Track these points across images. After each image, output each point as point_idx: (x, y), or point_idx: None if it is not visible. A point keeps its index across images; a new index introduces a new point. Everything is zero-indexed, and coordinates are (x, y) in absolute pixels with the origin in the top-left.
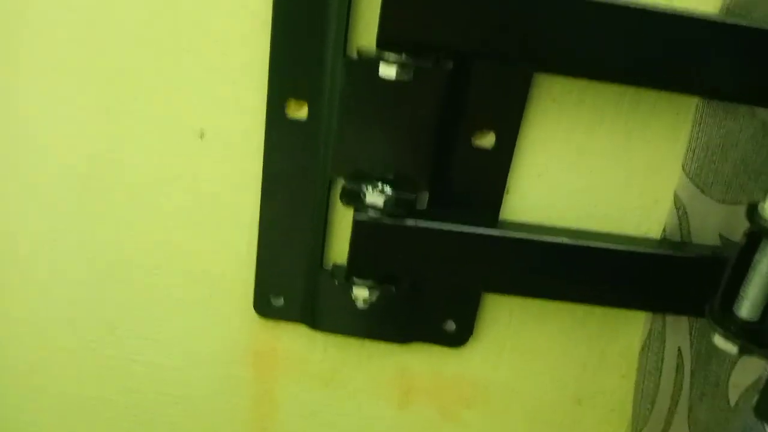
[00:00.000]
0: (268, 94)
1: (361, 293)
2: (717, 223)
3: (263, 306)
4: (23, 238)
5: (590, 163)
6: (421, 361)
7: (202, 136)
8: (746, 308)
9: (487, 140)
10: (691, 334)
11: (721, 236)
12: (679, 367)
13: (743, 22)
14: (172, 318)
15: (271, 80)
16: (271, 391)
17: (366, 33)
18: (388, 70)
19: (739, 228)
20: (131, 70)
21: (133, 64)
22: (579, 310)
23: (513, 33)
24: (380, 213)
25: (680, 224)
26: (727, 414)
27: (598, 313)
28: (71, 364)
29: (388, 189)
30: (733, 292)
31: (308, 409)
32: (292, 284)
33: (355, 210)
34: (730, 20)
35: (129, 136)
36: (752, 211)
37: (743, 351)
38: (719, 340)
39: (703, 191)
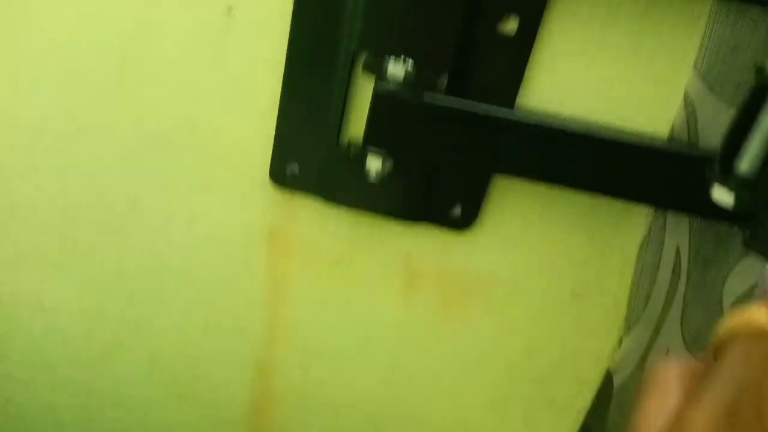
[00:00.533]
0: None
1: (374, 164)
2: (724, 123)
3: (279, 174)
4: (54, 117)
5: (606, 56)
6: (427, 248)
7: (229, 11)
8: (746, 163)
9: (510, 25)
10: (690, 234)
11: None
12: (675, 267)
13: None
14: (192, 195)
15: None
16: (283, 275)
17: None
18: None
19: None
20: None
21: None
22: (583, 205)
23: None
24: (400, 86)
25: (688, 122)
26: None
27: (602, 209)
28: (96, 240)
29: (410, 63)
30: (734, 148)
31: (317, 294)
32: (308, 154)
33: (377, 80)
34: None
35: (158, 14)
36: (760, 69)
37: (739, 204)
38: (717, 192)
39: (712, 90)
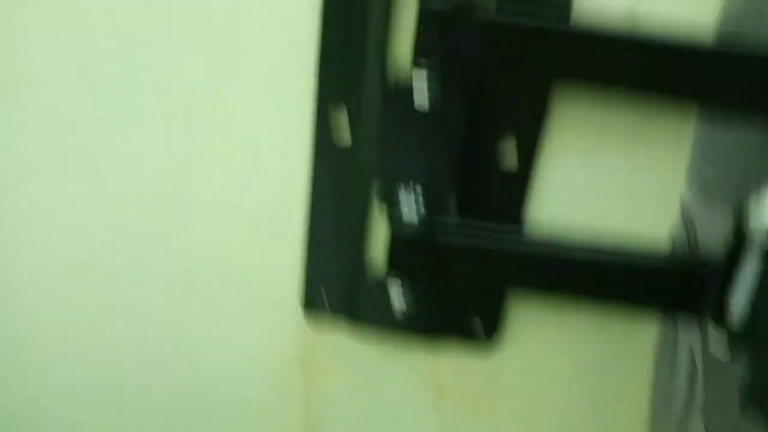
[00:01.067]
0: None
1: (397, 300)
2: (723, 225)
3: (309, 301)
4: (97, 261)
5: (601, 175)
6: (453, 363)
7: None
8: (734, 317)
9: (510, 152)
10: (702, 338)
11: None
12: (690, 365)
13: (735, 49)
14: (227, 325)
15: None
16: (316, 397)
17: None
18: (420, 98)
19: None
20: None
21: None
22: (596, 314)
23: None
24: (413, 221)
25: (686, 227)
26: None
27: (614, 317)
28: (139, 373)
29: (421, 208)
30: (723, 301)
31: (351, 413)
32: (335, 282)
33: (392, 223)
34: (724, 45)
35: (192, 161)
36: (738, 227)
37: (734, 358)
38: (714, 348)
39: (708, 194)
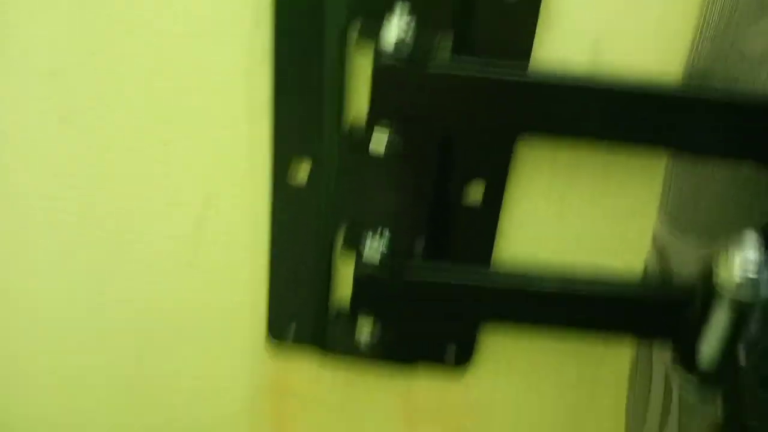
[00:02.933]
0: (272, 164)
1: (363, 333)
2: (695, 262)
3: (277, 331)
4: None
5: (572, 211)
6: (424, 387)
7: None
8: (705, 361)
9: (476, 194)
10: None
11: None
12: (666, 390)
13: (702, 94)
14: (197, 356)
15: (274, 153)
16: (287, 423)
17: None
18: (377, 146)
19: None
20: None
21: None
22: (568, 342)
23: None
24: (379, 262)
25: (660, 261)
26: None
27: (588, 342)
28: (102, 396)
29: (386, 238)
30: (692, 344)
31: None
32: (303, 314)
33: (356, 264)
34: (691, 92)
35: (139, 207)
36: (706, 275)
37: (704, 399)
38: (683, 391)
39: (680, 233)
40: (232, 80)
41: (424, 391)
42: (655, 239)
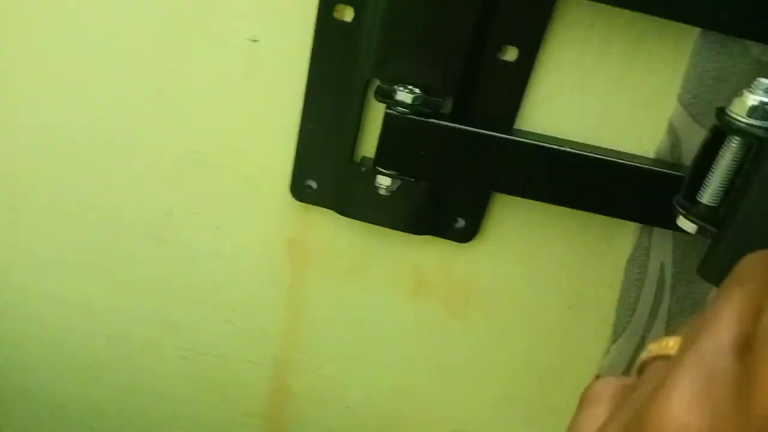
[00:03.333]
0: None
1: (384, 181)
2: None
3: (299, 190)
4: (97, 135)
5: (597, 86)
6: (433, 257)
7: (254, 40)
8: (708, 195)
9: (511, 55)
10: (674, 252)
11: None
12: (660, 282)
13: None
14: (220, 208)
15: None
16: (301, 280)
17: None
18: None
19: None
20: None
21: None
22: (578, 221)
23: None
24: (408, 111)
25: (672, 149)
26: None
27: (595, 225)
28: (134, 248)
29: (417, 90)
30: (697, 182)
31: (332, 298)
32: (325, 172)
33: (387, 106)
34: None
35: (189, 46)
36: (720, 111)
37: (701, 231)
38: (681, 221)
39: (695, 120)
40: None
41: (433, 261)
42: (670, 125)
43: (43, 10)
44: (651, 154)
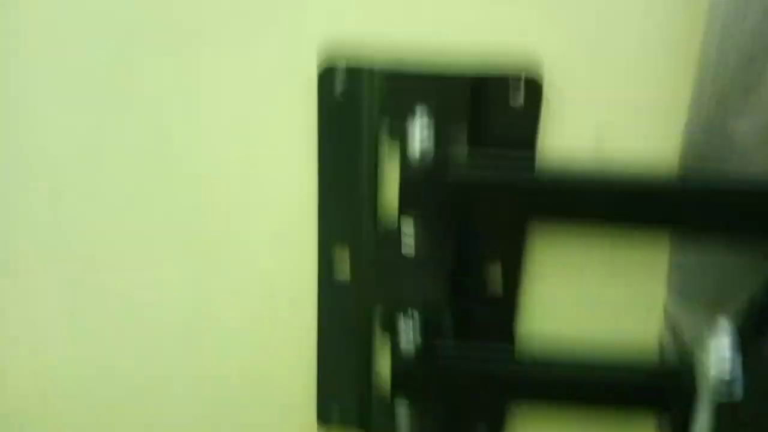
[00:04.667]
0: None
1: (402, 417)
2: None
3: (324, 414)
4: (136, 376)
5: (586, 290)
6: None
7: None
8: None
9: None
10: None
11: None
12: None
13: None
14: None
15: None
16: None
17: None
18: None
19: None
20: None
21: None
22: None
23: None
24: (412, 345)
25: (673, 336)
26: None
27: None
28: None
29: (418, 335)
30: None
31: None
32: (347, 398)
33: (392, 354)
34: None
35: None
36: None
37: None
38: None
39: (687, 303)
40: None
41: None
42: (666, 311)
43: None
44: (650, 341)
